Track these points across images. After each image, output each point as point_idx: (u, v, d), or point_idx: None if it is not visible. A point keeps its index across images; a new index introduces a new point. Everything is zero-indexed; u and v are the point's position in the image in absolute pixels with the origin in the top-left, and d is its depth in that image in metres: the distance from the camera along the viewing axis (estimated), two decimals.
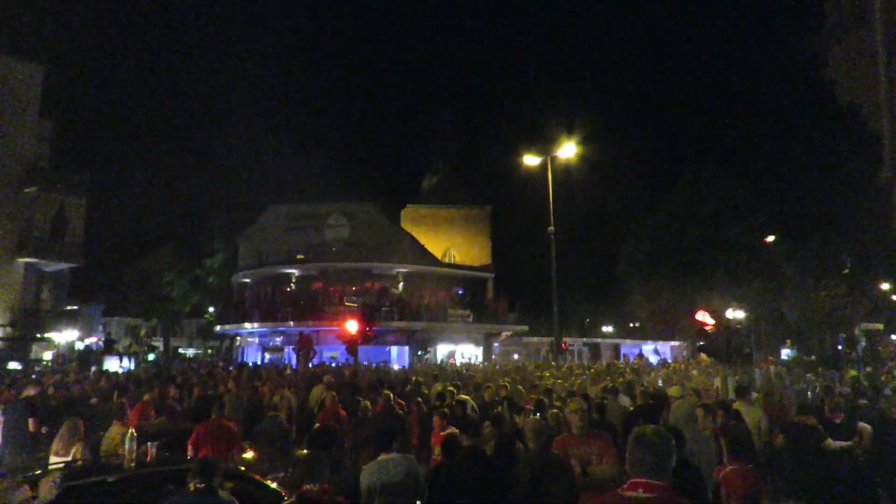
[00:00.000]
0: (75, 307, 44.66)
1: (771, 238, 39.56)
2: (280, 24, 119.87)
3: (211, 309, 48.41)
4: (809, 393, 12.58)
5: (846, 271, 34.35)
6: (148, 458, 5.36)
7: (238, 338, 41.44)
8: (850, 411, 8.28)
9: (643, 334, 52.82)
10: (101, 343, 42.26)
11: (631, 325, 56.60)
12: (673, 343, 47.62)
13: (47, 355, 33.68)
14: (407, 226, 52.10)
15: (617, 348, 52.10)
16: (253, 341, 38.89)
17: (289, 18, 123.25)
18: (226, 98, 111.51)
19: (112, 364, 30.73)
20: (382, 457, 5.09)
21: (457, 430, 5.96)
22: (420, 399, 10.42)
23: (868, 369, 20.55)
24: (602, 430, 6.07)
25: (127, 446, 5.27)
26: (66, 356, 32.47)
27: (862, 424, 6.91)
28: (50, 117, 34.91)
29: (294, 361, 26.19)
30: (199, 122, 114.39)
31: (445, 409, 7.24)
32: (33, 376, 16.46)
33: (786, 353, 36.43)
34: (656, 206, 50.25)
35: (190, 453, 6.58)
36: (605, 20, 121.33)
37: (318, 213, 41.14)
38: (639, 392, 10.34)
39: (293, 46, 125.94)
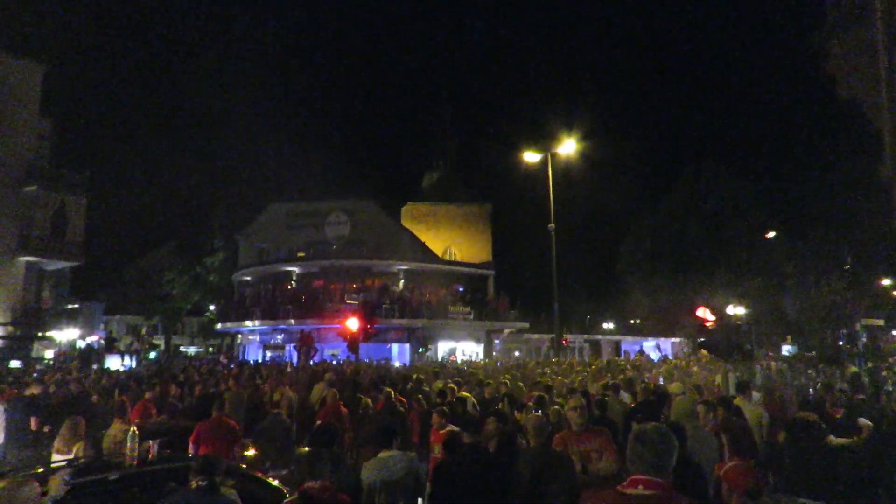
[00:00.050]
0: (76, 306, 44.75)
1: (771, 235, 39.56)
2: (280, 23, 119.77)
3: (212, 307, 48.44)
4: (811, 390, 12.57)
5: (847, 267, 34.29)
6: (150, 456, 5.37)
7: (239, 336, 41.49)
8: (851, 407, 8.29)
9: (644, 331, 52.83)
10: (102, 341, 42.29)
11: (632, 321, 56.62)
12: (674, 339, 47.63)
13: (48, 354, 33.74)
14: (407, 223, 52.09)
15: (618, 345, 52.12)
16: (254, 339, 38.92)
17: (289, 18, 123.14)
18: (226, 97, 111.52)
19: (113, 362, 30.77)
20: (383, 454, 5.10)
21: (456, 428, 5.97)
22: (421, 396, 10.43)
23: (869, 365, 20.54)
24: (603, 426, 6.08)
25: (129, 444, 5.28)
26: (68, 355, 32.48)
27: (862, 420, 6.91)
28: (50, 116, 34.89)
29: (295, 359, 26.21)
30: (200, 120, 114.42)
31: (444, 408, 7.24)
32: (34, 375, 16.48)
33: (786, 350, 36.37)
34: (657, 203, 50.32)
35: (191, 451, 6.59)
36: (606, 18, 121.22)
37: (318, 211, 41.12)
38: (639, 389, 10.36)
39: (293, 45, 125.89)
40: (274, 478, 6.00)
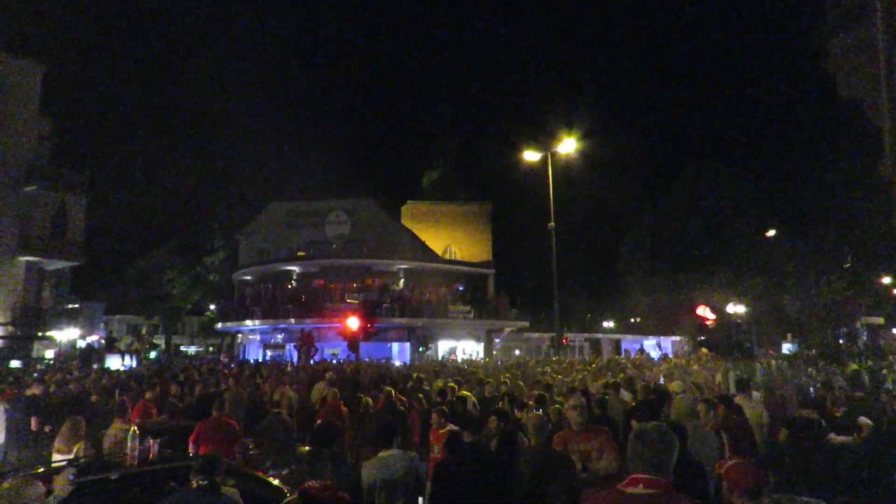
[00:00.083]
0: (76, 305, 44.72)
1: (771, 233, 39.54)
2: (280, 23, 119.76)
3: (212, 306, 48.45)
4: (812, 389, 12.57)
5: (847, 266, 34.30)
6: (150, 456, 5.37)
7: (239, 335, 41.51)
8: (851, 405, 8.29)
9: (644, 330, 52.85)
10: (102, 341, 42.31)
11: (632, 320, 56.62)
12: (674, 338, 47.66)
13: (49, 354, 33.75)
14: (407, 222, 52.11)
15: (618, 344, 52.13)
16: (254, 338, 38.95)
17: (289, 18, 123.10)
18: (226, 97, 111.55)
19: (114, 362, 30.79)
20: (383, 453, 5.10)
21: (456, 428, 5.97)
22: (421, 395, 10.43)
23: (869, 363, 20.55)
24: (603, 425, 6.08)
25: (129, 444, 5.28)
26: (68, 354, 32.50)
27: (862, 419, 6.92)
28: (50, 116, 34.86)
29: (295, 358, 26.23)
30: (200, 120, 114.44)
31: (444, 407, 7.23)
32: (35, 375, 16.49)
33: (786, 348, 36.40)
34: (657, 202, 50.30)
35: (191, 451, 6.59)
36: (606, 16, 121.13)
37: (318, 211, 41.14)
38: (640, 387, 10.36)
39: (293, 45, 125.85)
40: (275, 477, 6.00)
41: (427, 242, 48.17)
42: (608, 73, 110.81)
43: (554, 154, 25.02)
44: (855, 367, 17.62)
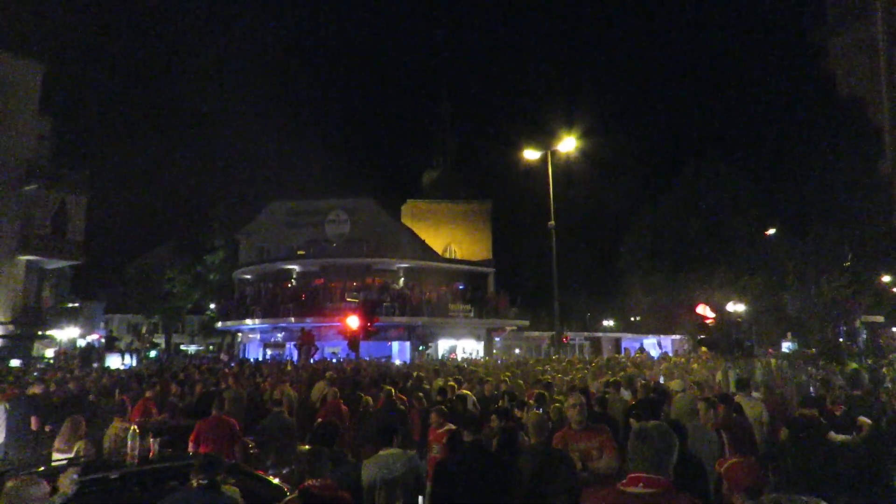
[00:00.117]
0: (77, 304, 44.74)
1: (771, 232, 39.55)
2: (279, 21, 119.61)
3: (212, 305, 48.46)
4: (812, 388, 12.57)
5: (847, 264, 34.30)
6: (150, 455, 5.38)
7: (239, 334, 41.50)
8: (850, 404, 8.30)
9: (644, 328, 52.87)
10: (102, 340, 42.35)
11: (632, 319, 56.64)
12: (674, 337, 47.68)
13: (49, 353, 33.76)
14: (407, 221, 52.13)
15: (618, 342, 52.12)
16: (254, 337, 38.95)
17: (289, 18, 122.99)
18: (226, 96, 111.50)
19: (114, 361, 30.82)
20: (383, 452, 5.10)
21: (454, 427, 5.97)
22: (421, 394, 10.43)
23: (869, 361, 20.55)
24: (603, 423, 6.08)
25: (129, 443, 5.29)
26: (69, 354, 32.52)
27: (862, 418, 6.92)
28: (50, 116, 34.85)
29: (296, 357, 26.23)
30: (200, 119, 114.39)
31: (443, 407, 7.24)
32: (35, 374, 16.50)
33: (786, 346, 36.40)
34: (657, 200, 50.33)
35: (191, 450, 6.60)
36: (606, 16, 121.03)
37: (318, 210, 41.10)
38: (640, 386, 10.37)
39: (292, 43, 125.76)
40: (275, 476, 6.01)
41: (427, 241, 48.17)
42: (608, 73, 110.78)
43: (554, 153, 25.01)
44: (854, 365, 17.60)
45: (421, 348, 34.00)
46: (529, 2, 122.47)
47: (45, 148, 33.86)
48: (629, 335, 53.38)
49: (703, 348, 31.53)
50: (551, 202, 24.41)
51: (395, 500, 4.91)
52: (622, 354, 36.07)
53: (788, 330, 38.68)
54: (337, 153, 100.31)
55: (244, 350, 38.86)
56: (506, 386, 10.82)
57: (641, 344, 46.41)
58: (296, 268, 37.61)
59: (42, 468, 5.35)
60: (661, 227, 46.91)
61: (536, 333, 47.51)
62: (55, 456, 6.65)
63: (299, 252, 38.32)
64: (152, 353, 42.97)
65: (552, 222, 24.36)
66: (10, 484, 3.63)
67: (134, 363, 32.28)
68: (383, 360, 26.86)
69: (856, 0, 19.61)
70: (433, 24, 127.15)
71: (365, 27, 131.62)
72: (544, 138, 26.55)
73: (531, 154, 25.75)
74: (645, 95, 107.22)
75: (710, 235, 43.40)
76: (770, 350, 31.52)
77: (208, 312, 49.82)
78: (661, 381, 13.43)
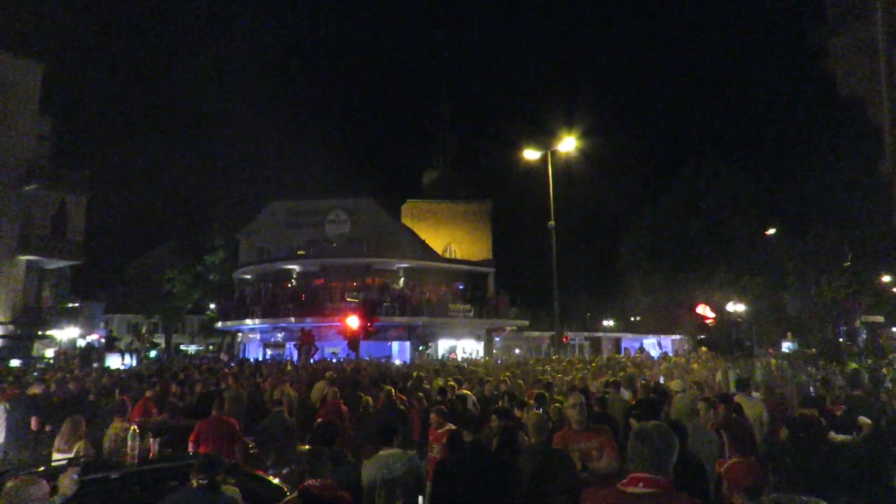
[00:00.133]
0: (77, 305, 44.76)
1: (771, 232, 39.55)
2: (279, 20, 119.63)
3: (212, 305, 48.47)
4: (812, 388, 12.57)
5: (847, 264, 34.33)
6: (150, 455, 5.37)
7: (240, 334, 41.51)
8: (851, 404, 8.29)
9: (644, 328, 52.88)
10: (102, 340, 42.35)
11: (632, 319, 56.64)
12: (674, 337, 47.70)
13: (49, 353, 33.76)
14: (407, 221, 52.13)
15: (618, 342, 52.14)
16: (254, 337, 38.95)
17: (288, 17, 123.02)
18: (226, 96, 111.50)
19: (114, 361, 30.82)
20: (383, 452, 5.10)
21: (454, 427, 5.97)
22: (421, 394, 10.43)
23: (869, 361, 20.56)
24: (603, 423, 6.08)
25: (129, 443, 5.29)
26: (69, 354, 32.52)
27: (862, 419, 6.91)
28: (50, 115, 34.85)
29: (296, 357, 26.24)
30: (200, 119, 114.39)
31: (443, 407, 7.23)
32: (35, 374, 16.50)
33: (786, 346, 36.43)
34: (657, 201, 50.31)
35: (191, 450, 6.60)
36: (606, 16, 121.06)
37: (318, 210, 41.11)
38: (640, 386, 10.37)
39: (292, 43, 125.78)
40: (275, 476, 6.01)
41: (427, 241, 48.16)
42: (608, 73, 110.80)
43: (554, 153, 25.02)
44: (855, 365, 17.61)
45: (421, 348, 34.01)
46: (529, 2, 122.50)
47: (45, 148, 33.86)
48: (629, 335, 53.39)
49: (703, 348, 31.57)
50: (551, 202, 24.41)
51: (395, 500, 4.91)
52: (622, 354, 36.09)
53: (788, 330, 38.72)
54: (337, 153, 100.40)
55: (244, 350, 38.86)
56: (506, 386, 10.82)
57: (641, 344, 46.42)
58: (296, 268, 37.61)
59: (42, 468, 5.35)
60: (661, 227, 46.90)
61: (536, 333, 47.51)
62: (55, 456, 6.65)
63: (299, 252, 38.33)
64: (152, 353, 42.95)
65: (552, 222, 24.37)
66: (9, 484, 3.63)
67: (134, 363, 32.29)
68: (383, 360, 26.86)
69: (856, 0, 19.61)
70: (433, 24, 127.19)
71: (365, 27, 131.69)
72: (544, 138, 26.58)
73: (531, 154, 25.76)
74: (645, 95, 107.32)
75: (710, 235, 43.39)
76: (770, 350, 31.55)
77: (208, 312, 49.83)
78: (661, 381, 13.43)
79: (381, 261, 37.44)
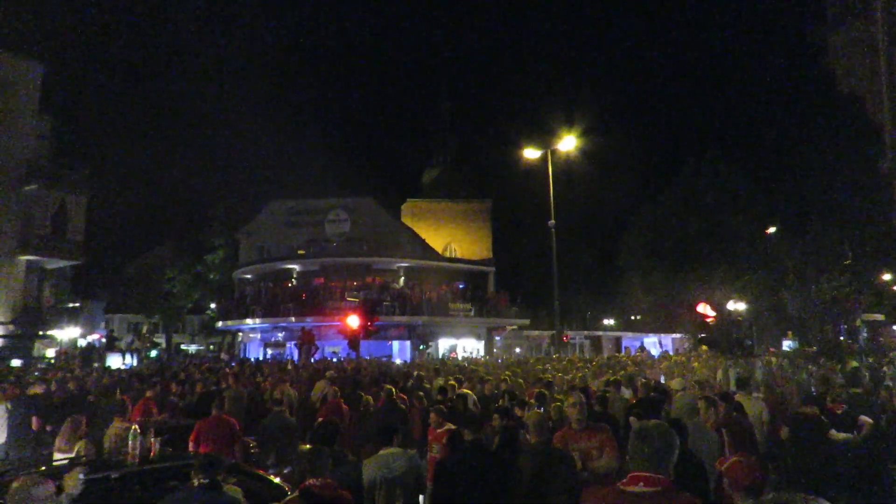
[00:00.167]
0: (77, 304, 44.71)
1: (772, 230, 39.54)
2: (279, 22, 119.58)
3: (213, 305, 48.47)
4: (813, 388, 12.57)
5: (847, 262, 34.33)
6: (151, 455, 5.38)
7: (240, 334, 41.52)
8: (852, 402, 8.29)
9: (645, 327, 52.88)
10: (103, 340, 42.34)
11: (632, 317, 56.64)
12: (674, 335, 47.69)
13: (50, 353, 33.77)
14: (407, 220, 52.11)
15: (618, 341, 52.15)
16: (255, 337, 38.96)
17: (288, 17, 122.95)
18: (225, 95, 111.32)
19: (114, 361, 30.82)
20: (384, 451, 5.10)
21: (454, 427, 5.97)
22: (422, 394, 10.44)
23: (870, 360, 20.56)
24: (604, 422, 6.08)
25: (130, 443, 5.29)
26: (69, 353, 32.53)
27: (863, 418, 6.91)
28: (50, 115, 34.83)
29: (296, 357, 26.24)
30: (199, 119, 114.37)
31: (442, 406, 7.23)
32: (36, 374, 16.51)
33: (787, 345, 36.45)
34: (657, 198, 50.24)
35: (191, 450, 6.60)
36: (605, 12, 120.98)
37: (318, 209, 41.11)
38: (640, 385, 10.37)
39: (292, 42, 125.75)
40: (276, 475, 6.01)
41: (427, 240, 48.14)
42: (608, 71, 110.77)
43: (554, 152, 25.00)
44: (855, 364, 17.62)
45: (421, 347, 34.01)
46: (529, 2, 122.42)
47: (45, 148, 33.82)
48: (629, 334, 53.39)
49: (704, 347, 31.58)
50: (551, 201, 24.40)
51: (396, 500, 4.91)
52: (622, 353, 36.09)
53: (789, 329, 38.71)
54: (337, 153, 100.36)
55: (245, 350, 38.86)
56: (506, 385, 10.82)
57: (642, 343, 46.43)
58: (296, 267, 37.61)
59: (44, 468, 5.35)
60: (661, 225, 46.85)
61: (537, 332, 47.51)
62: (56, 455, 6.65)
63: (299, 251, 38.32)
64: (153, 353, 42.99)
65: (552, 221, 24.36)
66: (15, 484, 3.63)
67: (134, 363, 32.31)
68: (384, 359, 26.86)
69: None
70: (433, 24, 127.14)
71: (365, 27, 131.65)
72: (544, 137, 26.52)
73: (531, 153, 25.74)
74: (645, 94, 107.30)
75: (710, 234, 43.34)
76: (771, 349, 31.55)
77: (208, 312, 49.84)
78: (662, 379, 13.45)
79: (382, 260, 37.44)
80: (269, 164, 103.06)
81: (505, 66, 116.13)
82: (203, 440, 6.72)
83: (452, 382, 11.00)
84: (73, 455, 6.33)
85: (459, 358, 29.34)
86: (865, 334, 32.66)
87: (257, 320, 35.21)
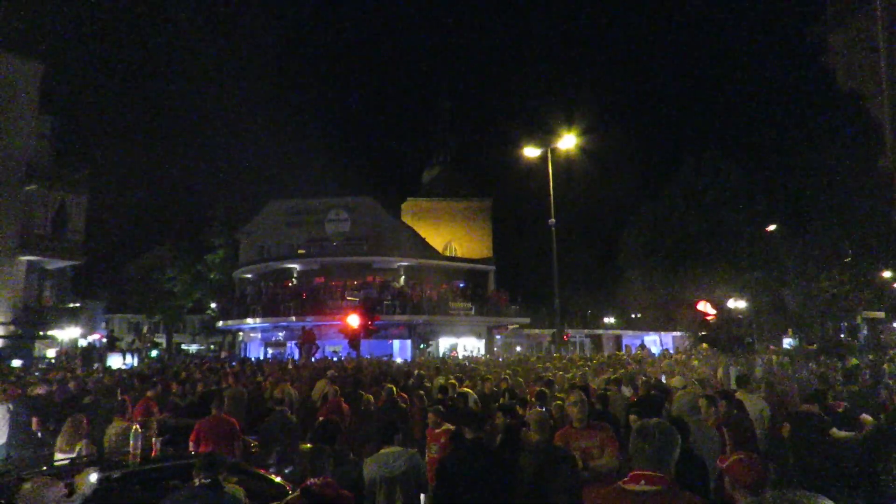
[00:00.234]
0: (77, 304, 44.68)
1: (772, 227, 39.54)
2: (279, 19, 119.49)
3: (213, 305, 48.49)
4: (815, 386, 12.57)
5: (848, 260, 34.34)
6: (153, 454, 5.38)
7: (240, 333, 41.53)
8: (853, 400, 8.29)
9: (645, 325, 52.87)
10: (103, 340, 42.32)
11: (633, 315, 56.63)
12: (675, 333, 47.67)
13: (50, 353, 33.78)
14: (408, 219, 52.09)
15: (619, 339, 52.14)
16: (255, 336, 38.97)
17: (288, 16, 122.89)
18: (225, 95, 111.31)
19: (115, 361, 30.81)
20: (385, 450, 5.11)
21: (452, 427, 5.97)
22: (422, 392, 10.44)
23: (870, 357, 20.56)
24: (605, 421, 6.08)
25: (131, 442, 5.29)
26: (70, 353, 32.54)
27: (865, 416, 6.91)
28: (50, 115, 34.83)
29: (297, 356, 26.25)
30: (199, 118, 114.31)
31: (440, 407, 7.23)
32: (37, 374, 16.51)
33: (787, 343, 36.44)
34: (657, 195, 50.22)
35: (191, 449, 6.60)
36: (605, 10, 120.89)
37: (318, 208, 41.11)
38: (641, 383, 10.37)
39: (292, 41, 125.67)
40: (277, 474, 6.02)
41: (427, 239, 48.13)
42: (607, 70, 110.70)
43: (554, 150, 24.98)
44: (855, 361, 17.62)
45: (422, 346, 34.01)
46: (529, 2, 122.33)
47: (45, 148, 33.83)
48: (630, 332, 53.38)
49: (704, 345, 31.57)
50: (551, 200, 24.38)
51: (396, 499, 4.91)
52: (623, 351, 36.10)
53: (789, 326, 38.70)
54: (337, 152, 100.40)
55: (245, 349, 38.89)
56: (506, 384, 10.82)
57: (642, 341, 46.45)
58: (296, 266, 37.61)
59: (49, 468, 5.36)
60: (661, 224, 46.83)
61: (537, 331, 47.51)
62: (57, 456, 6.65)
63: (300, 251, 38.33)
64: (153, 353, 42.98)
65: (553, 220, 24.34)
66: (27, 486, 3.64)
67: (135, 363, 32.31)
68: (384, 358, 26.87)
69: None
70: (433, 23, 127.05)
71: (365, 27, 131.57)
72: (544, 135, 26.46)
73: (531, 151, 25.71)
74: (644, 93, 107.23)
75: (711, 232, 43.34)
76: (771, 347, 31.54)
77: (209, 312, 49.85)
78: (663, 378, 13.43)
79: (382, 259, 37.45)
80: (268, 164, 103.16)
81: (505, 65, 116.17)
82: (203, 439, 6.72)
83: (453, 381, 11.00)
84: (73, 455, 6.33)
85: (460, 357, 29.35)
86: (866, 332, 32.64)
87: (258, 320, 35.22)
